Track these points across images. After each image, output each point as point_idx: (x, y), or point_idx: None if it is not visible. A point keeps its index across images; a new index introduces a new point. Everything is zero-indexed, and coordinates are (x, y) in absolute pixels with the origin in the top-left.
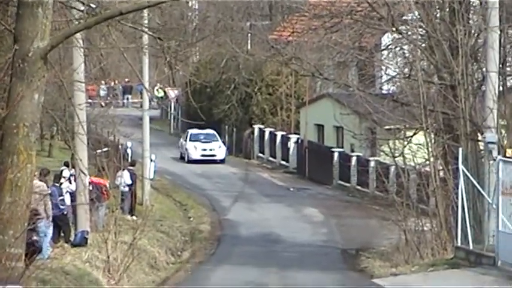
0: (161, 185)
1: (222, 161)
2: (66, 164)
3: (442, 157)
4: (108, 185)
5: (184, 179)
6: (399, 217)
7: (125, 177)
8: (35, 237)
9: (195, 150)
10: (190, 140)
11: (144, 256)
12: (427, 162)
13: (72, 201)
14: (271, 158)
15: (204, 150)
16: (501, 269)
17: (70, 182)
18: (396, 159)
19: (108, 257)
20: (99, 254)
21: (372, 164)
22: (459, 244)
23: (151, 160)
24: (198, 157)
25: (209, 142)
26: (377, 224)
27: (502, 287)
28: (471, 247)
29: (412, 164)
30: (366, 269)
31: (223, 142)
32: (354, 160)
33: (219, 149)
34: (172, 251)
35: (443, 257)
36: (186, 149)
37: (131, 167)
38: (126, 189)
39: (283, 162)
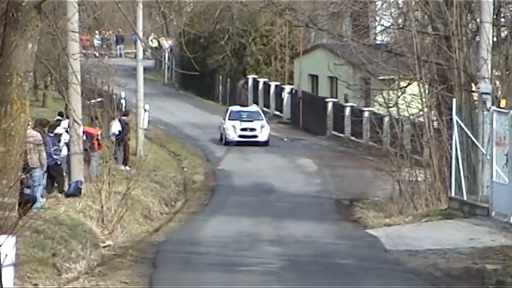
0: (155, 135)
1: (265, 143)
2: (61, 114)
3: (436, 108)
4: (100, 135)
5: (178, 129)
6: (393, 168)
7: (113, 127)
8: (28, 187)
9: (233, 130)
10: (229, 119)
11: (137, 206)
12: (421, 112)
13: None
14: (265, 109)
15: (244, 130)
16: (495, 219)
17: (67, 133)
18: (390, 109)
19: (102, 207)
20: (92, 204)
21: (366, 114)
22: (453, 195)
23: (145, 110)
24: (236, 138)
25: (251, 121)
26: (371, 175)
27: (496, 238)
28: (465, 198)
29: (406, 114)
30: (360, 219)
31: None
32: (347, 111)
33: (261, 129)
34: (166, 201)
35: (437, 208)
36: (224, 129)
37: (124, 117)
38: (113, 138)
39: (277, 113)
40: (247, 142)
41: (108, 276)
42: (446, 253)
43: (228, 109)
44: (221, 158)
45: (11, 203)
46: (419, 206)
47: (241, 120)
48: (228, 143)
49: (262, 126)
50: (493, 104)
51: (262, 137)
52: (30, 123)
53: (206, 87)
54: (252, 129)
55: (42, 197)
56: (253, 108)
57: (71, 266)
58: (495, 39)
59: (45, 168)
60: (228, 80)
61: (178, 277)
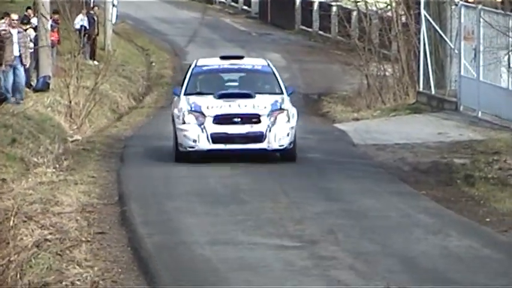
0: (123, 30)
1: (288, 155)
2: (29, 8)
3: (404, 2)
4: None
5: (146, 24)
6: (361, 62)
7: (77, 21)
8: None
9: (198, 125)
10: (188, 94)
11: (105, 101)
12: (389, 7)
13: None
14: (233, 3)
15: (225, 121)
16: (463, 114)
17: (35, 30)
18: (358, 4)
19: (70, 102)
20: (61, 99)
21: (334, 9)
22: (421, 89)
23: (113, 5)
24: (206, 145)
25: (245, 96)
26: (339, 69)
27: (464, 131)
28: (433, 92)
29: (374, 8)
30: (328, 114)
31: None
32: (316, 5)
33: (272, 119)
34: (134, 96)
35: (405, 102)
36: (176, 122)
37: (92, 11)
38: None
39: (245, 7)
40: (235, 152)
41: (76, 170)
42: (414, 147)
43: (189, 66)
44: (189, 53)
45: None
46: (387, 100)
47: (222, 97)
48: (187, 156)
49: (273, 110)
50: None
51: (277, 139)
52: None
53: None
54: (247, 119)
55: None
56: (254, 62)
57: (39, 161)
58: None
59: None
60: None
61: (146, 171)
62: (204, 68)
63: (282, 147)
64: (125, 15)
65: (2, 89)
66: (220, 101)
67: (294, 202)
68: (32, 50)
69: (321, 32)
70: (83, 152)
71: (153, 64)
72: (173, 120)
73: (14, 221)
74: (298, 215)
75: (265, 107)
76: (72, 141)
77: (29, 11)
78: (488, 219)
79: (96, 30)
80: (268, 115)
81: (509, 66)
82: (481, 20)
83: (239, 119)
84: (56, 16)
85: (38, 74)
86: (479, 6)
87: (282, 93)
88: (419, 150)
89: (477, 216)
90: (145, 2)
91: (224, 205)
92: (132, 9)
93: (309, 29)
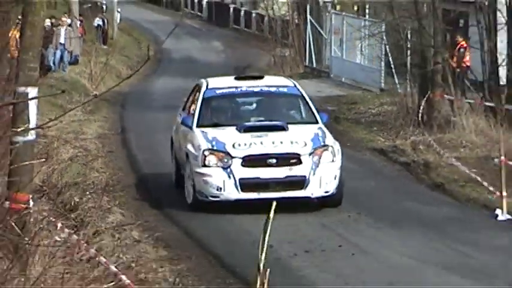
0: (124, 27)
1: (333, 201)
2: (65, 13)
3: (297, 10)
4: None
5: (139, 23)
6: (270, 48)
7: (95, 21)
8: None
9: (222, 173)
10: (202, 129)
11: (113, 71)
12: (288, 13)
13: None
14: (190, 10)
15: (256, 163)
16: (333, 79)
17: (70, 26)
18: (269, 11)
19: (91, 71)
20: (85, 69)
21: (254, 14)
22: (307, 64)
23: (118, 11)
24: (234, 194)
25: (274, 129)
26: (257, 52)
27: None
28: (314, 65)
29: (278, 14)
30: None
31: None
32: (242, 12)
33: (315, 159)
34: (130, 68)
35: (297, 72)
36: (187, 166)
37: (104, 15)
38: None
39: (199, 13)
40: (269, 201)
41: (95, 113)
42: None
43: (196, 87)
44: (164, 40)
45: (35, 67)
46: (286, 71)
47: (248, 130)
48: (206, 205)
49: (316, 148)
50: (332, 8)
51: (323, 184)
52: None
53: None
54: (285, 160)
55: (55, 64)
56: (278, 82)
57: (72, 106)
58: None
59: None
60: None
61: (138, 114)
62: (218, 91)
63: (327, 194)
64: (125, 18)
65: (50, 62)
66: (247, 136)
67: None
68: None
69: (245, 29)
70: (99, 102)
71: (142, 48)
72: (172, 145)
73: (56, 144)
74: None
75: (305, 144)
76: (93, 95)
77: (65, 15)
78: (348, 144)
79: (107, 27)
80: (310, 154)
81: (361, 51)
82: (344, 22)
83: (274, 160)
84: (82, 18)
85: (71, 54)
86: (343, 13)
87: (316, 121)
88: None
89: (342, 142)
90: (137, 10)
91: None
92: (129, 15)
93: (238, 27)
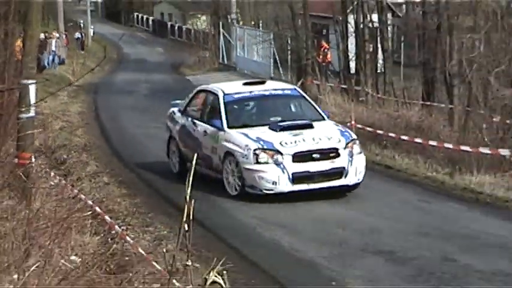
0: (96, 38)
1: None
2: (55, 29)
3: (213, 25)
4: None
5: (106, 36)
6: (195, 51)
7: (76, 34)
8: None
9: (276, 165)
10: (238, 131)
11: (88, 68)
12: (207, 27)
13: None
14: (141, 26)
15: (304, 158)
16: (238, 71)
17: (58, 38)
18: (194, 25)
19: (73, 69)
20: (69, 67)
21: (184, 28)
22: (221, 61)
23: (91, 28)
24: (288, 186)
25: (301, 127)
26: (186, 54)
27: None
28: (226, 62)
29: (201, 28)
30: (182, 72)
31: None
32: (176, 27)
33: (344, 149)
34: (100, 66)
35: (214, 67)
36: (233, 164)
37: (83, 30)
38: (78, 37)
39: (146, 28)
40: (316, 191)
41: (76, 97)
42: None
43: (211, 94)
44: (123, 47)
45: (32, 66)
46: (207, 66)
47: (284, 129)
48: (253, 198)
49: (347, 142)
50: (237, 23)
51: (357, 173)
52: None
53: (114, 16)
54: (326, 154)
55: (49, 65)
56: (281, 86)
57: (60, 93)
58: None
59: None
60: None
61: (107, 97)
62: (236, 96)
63: (359, 181)
64: (97, 32)
65: (45, 63)
66: (286, 135)
67: None
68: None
69: (178, 39)
70: (79, 90)
71: (108, 53)
72: (170, 143)
73: (50, 119)
74: None
75: (339, 140)
76: (75, 85)
77: (55, 30)
78: None
79: (84, 38)
80: (345, 148)
81: (257, 52)
82: (245, 32)
83: (318, 155)
84: (66, 32)
85: (60, 57)
86: (244, 27)
87: (323, 118)
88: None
89: None
90: (103, 27)
91: (141, 112)
92: (100, 29)
93: (173, 37)
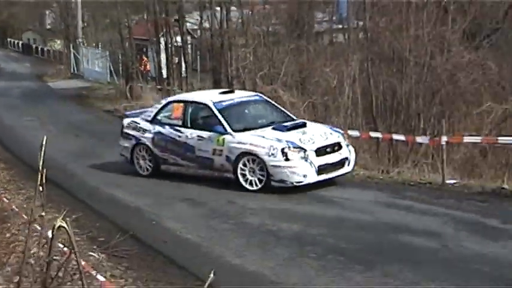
0: None
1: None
2: None
3: (66, 46)
4: None
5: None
6: (53, 65)
7: None
8: None
9: (305, 160)
10: (274, 129)
11: None
12: (61, 48)
13: None
14: (13, 48)
15: (322, 151)
16: (85, 79)
17: None
18: (52, 47)
19: None
20: None
21: (45, 49)
22: (72, 71)
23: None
24: (314, 177)
25: (299, 126)
26: (48, 67)
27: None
28: (76, 72)
29: (57, 48)
30: (44, 80)
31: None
32: (40, 48)
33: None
34: None
35: (68, 75)
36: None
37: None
38: None
39: (16, 49)
40: (332, 179)
41: None
42: (72, 89)
43: (201, 104)
44: (0, 63)
45: None
46: (62, 75)
47: (290, 129)
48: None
49: (340, 136)
50: (83, 44)
51: (352, 161)
52: None
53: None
54: (333, 147)
55: None
56: (250, 94)
57: None
58: None
59: None
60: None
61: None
62: (224, 103)
63: (353, 168)
64: None
65: None
66: (297, 133)
67: None
68: None
69: (41, 56)
70: None
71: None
72: (134, 148)
73: None
74: None
75: (338, 135)
76: None
77: None
78: (92, 109)
79: None
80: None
81: (98, 64)
82: (89, 51)
83: (329, 149)
84: None
85: None
86: (89, 47)
87: (293, 119)
88: (74, 89)
89: (90, 109)
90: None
91: (14, 108)
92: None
93: (38, 55)
